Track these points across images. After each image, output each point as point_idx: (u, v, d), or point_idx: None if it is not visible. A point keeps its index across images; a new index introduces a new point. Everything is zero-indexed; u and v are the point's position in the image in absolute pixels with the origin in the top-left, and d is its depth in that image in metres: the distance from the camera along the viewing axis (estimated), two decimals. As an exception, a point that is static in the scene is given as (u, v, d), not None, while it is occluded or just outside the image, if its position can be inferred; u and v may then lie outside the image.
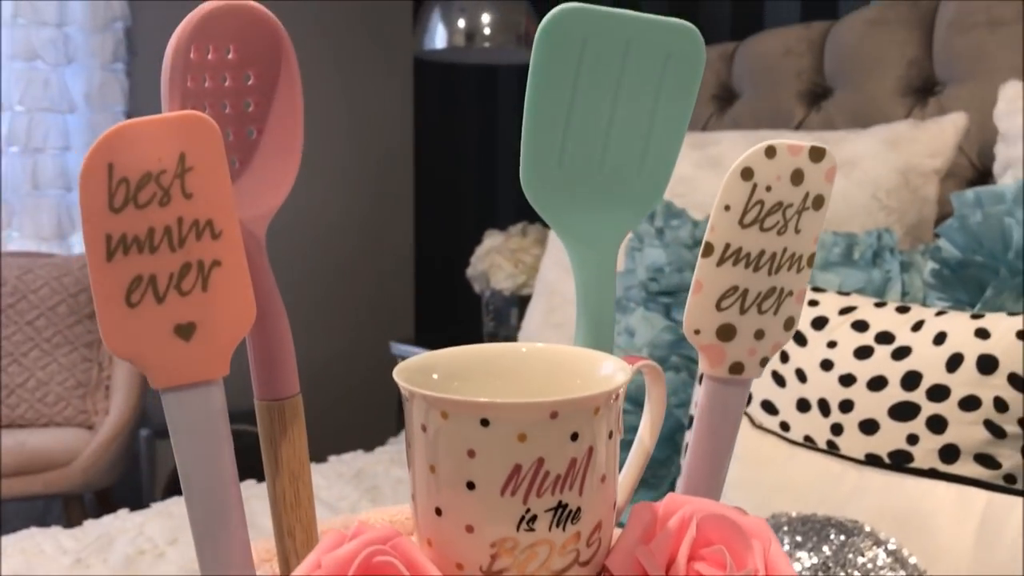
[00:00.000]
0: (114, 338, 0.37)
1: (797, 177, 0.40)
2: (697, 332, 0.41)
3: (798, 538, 0.86)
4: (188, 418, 0.38)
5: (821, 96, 1.70)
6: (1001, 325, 0.90)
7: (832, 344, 1.00)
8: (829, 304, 1.04)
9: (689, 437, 1.14)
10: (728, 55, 1.84)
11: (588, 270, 0.48)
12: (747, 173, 0.40)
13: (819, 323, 1.03)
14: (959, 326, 0.93)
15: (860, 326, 1.00)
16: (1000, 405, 0.88)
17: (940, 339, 0.93)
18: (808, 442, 0.99)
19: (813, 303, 1.05)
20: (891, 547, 0.82)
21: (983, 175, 1.46)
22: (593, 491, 0.37)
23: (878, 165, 1.40)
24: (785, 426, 1.01)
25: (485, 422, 0.35)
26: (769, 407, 1.03)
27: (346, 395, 2.71)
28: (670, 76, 0.48)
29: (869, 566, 0.81)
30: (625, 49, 0.47)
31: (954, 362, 0.91)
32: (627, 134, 0.48)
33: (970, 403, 0.89)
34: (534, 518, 0.36)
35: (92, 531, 1.31)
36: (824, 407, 0.98)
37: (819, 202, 0.41)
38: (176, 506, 1.34)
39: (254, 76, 0.44)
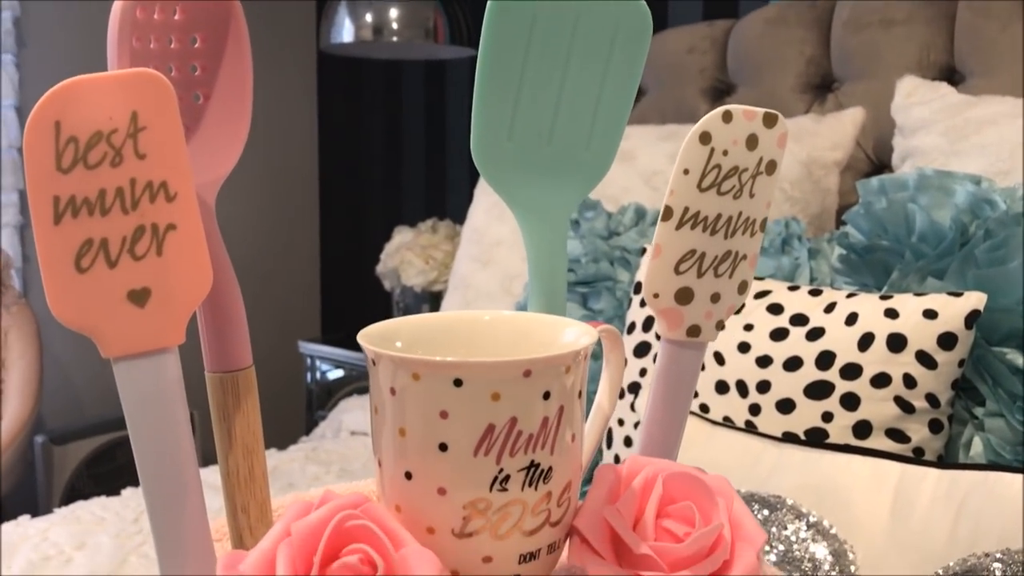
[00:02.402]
0: (62, 306, 0.35)
1: (752, 142, 0.41)
2: (656, 296, 0.42)
3: (723, 515, 0.88)
4: (142, 389, 0.37)
5: (724, 92, 1.74)
6: (908, 305, 0.94)
7: (748, 327, 1.03)
8: (744, 289, 1.07)
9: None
10: (634, 52, 1.86)
11: (539, 240, 0.48)
12: (705, 137, 0.40)
13: (735, 307, 1.05)
14: (869, 307, 0.96)
15: (775, 309, 1.03)
16: (909, 381, 0.92)
17: (852, 320, 0.96)
18: (727, 422, 1.01)
19: (729, 288, 1.08)
20: (812, 520, 0.85)
21: (879, 167, 1.53)
22: (563, 450, 0.37)
23: (783, 157, 1.44)
24: (705, 408, 1.04)
25: (458, 382, 0.35)
26: (689, 390, 1.05)
27: (252, 396, 2.65)
28: (618, 51, 0.48)
29: (793, 538, 0.84)
30: (574, 24, 0.47)
31: (865, 341, 0.94)
32: (575, 108, 0.48)
33: (881, 380, 0.93)
34: (507, 478, 0.36)
35: (-10, 539, 1.25)
36: (742, 388, 1.01)
37: (772, 167, 0.42)
38: (82, 511, 1.28)
39: (201, 39, 0.42)
